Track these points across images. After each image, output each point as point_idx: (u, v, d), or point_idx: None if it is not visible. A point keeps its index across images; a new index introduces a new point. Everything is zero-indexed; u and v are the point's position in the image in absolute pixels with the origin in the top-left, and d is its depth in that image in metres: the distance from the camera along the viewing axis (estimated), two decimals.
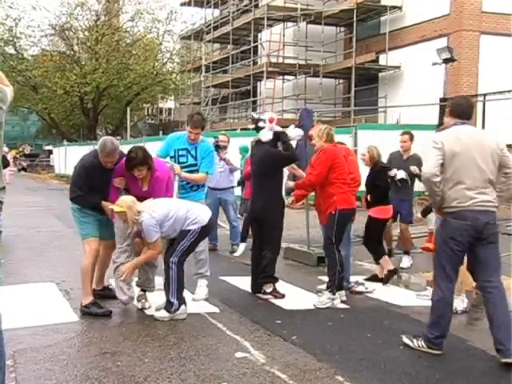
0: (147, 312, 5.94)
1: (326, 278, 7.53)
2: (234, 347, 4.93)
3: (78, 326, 5.49)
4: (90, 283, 5.88)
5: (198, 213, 5.73)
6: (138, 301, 6.05)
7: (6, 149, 34.37)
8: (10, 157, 30.59)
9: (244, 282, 7.37)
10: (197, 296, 6.42)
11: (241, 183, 10.43)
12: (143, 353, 4.75)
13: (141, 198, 5.69)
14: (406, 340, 5.07)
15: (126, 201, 5.58)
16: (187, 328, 5.49)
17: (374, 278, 7.57)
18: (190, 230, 5.64)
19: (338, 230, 6.44)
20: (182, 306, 5.70)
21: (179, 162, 6.36)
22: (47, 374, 4.31)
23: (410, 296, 6.95)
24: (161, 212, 5.56)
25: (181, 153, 6.40)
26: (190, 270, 6.25)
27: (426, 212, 7.58)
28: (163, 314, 5.69)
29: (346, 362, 4.66)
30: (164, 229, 5.59)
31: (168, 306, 5.68)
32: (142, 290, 6.14)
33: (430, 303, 5.32)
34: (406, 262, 8.64)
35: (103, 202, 5.82)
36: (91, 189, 5.79)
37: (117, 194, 5.88)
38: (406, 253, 8.77)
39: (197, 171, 6.42)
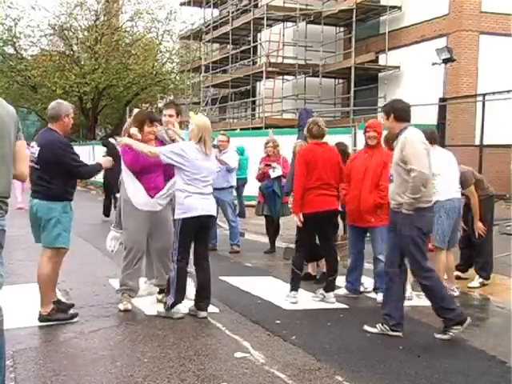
0: (147, 312, 5.94)
1: None
2: (233, 347, 4.94)
3: (77, 326, 5.48)
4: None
5: (190, 205, 5.67)
6: (121, 303, 6.02)
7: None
8: None
9: (244, 282, 7.38)
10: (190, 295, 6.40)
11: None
12: (142, 353, 4.75)
13: (152, 167, 5.88)
14: (368, 328, 5.45)
15: None
16: (187, 328, 5.49)
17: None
18: (175, 221, 5.73)
19: (300, 234, 6.63)
20: (178, 306, 5.71)
21: None
22: (47, 373, 4.31)
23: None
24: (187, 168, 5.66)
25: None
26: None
27: None
28: (160, 309, 5.81)
29: (345, 361, 4.66)
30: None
31: (164, 304, 5.76)
32: (124, 292, 6.08)
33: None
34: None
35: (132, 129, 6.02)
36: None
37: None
38: None
39: None
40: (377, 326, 5.40)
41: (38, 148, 5.45)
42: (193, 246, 5.87)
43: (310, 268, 7.79)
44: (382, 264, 6.21)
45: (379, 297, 6.37)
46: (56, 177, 5.45)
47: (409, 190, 5.11)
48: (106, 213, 14.32)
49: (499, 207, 6.00)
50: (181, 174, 5.69)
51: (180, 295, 5.71)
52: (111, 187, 13.33)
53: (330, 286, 6.57)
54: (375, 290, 6.73)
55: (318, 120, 6.73)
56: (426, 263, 5.30)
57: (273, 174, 9.48)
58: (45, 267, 5.56)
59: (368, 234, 6.79)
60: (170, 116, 6.34)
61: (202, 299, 5.84)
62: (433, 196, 5.45)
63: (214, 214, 5.99)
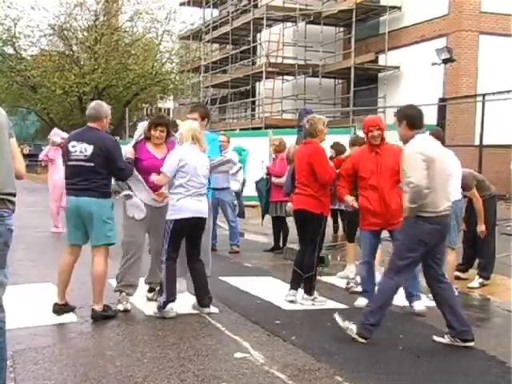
0: (146, 312, 5.93)
1: (324, 279, 7.56)
2: (233, 347, 4.93)
3: (77, 327, 5.48)
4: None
5: (180, 207, 5.71)
6: (120, 303, 6.01)
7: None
8: None
9: (244, 283, 7.38)
10: None
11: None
12: (142, 353, 4.75)
13: (155, 169, 5.84)
14: (337, 317, 5.35)
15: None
16: (186, 328, 5.48)
17: None
18: (167, 221, 5.76)
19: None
20: (169, 305, 5.72)
21: None
22: (46, 374, 4.31)
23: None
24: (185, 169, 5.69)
25: None
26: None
27: None
28: (154, 309, 5.82)
29: (345, 362, 4.66)
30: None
31: (158, 304, 5.78)
32: (121, 292, 6.08)
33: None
34: None
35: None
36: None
37: None
38: None
39: None
40: (445, 336, 5.20)
41: (91, 146, 5.51)
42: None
43: None
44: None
45: (418, 306, 6.19)
46: (107, 174, 5.61)
47: (407, 198, 5.06)
48: None
49: (499, 207, 6.00)
50: (176, 175, 5.72)
51: (170, 294, 5.72)
52: None
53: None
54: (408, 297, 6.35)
55: (311, 117, 6.59)
56: (395, 273, 5.16)
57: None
58: (102, 265, 5.64)
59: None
60: (194, 120, 6.33)
61: (203, 297, 5.87)
62: (443, 206, 5.14)
63: (206, 215, 5.93)
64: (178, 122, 6.08)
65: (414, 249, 5.11)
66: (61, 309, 5.71)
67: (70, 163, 5.64)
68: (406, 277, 5.44)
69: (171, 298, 5.73)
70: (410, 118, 5.26)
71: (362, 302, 6.38)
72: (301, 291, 6.53)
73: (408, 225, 5.15)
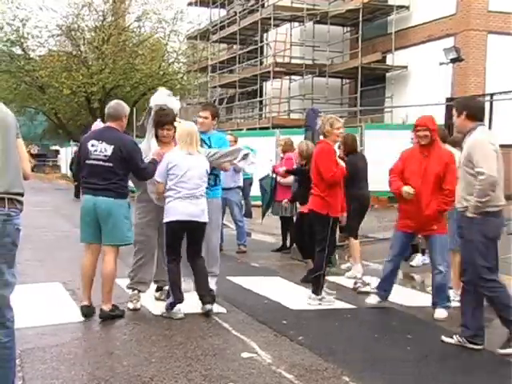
0: (154, 312, 5.94)
1: (331, 278, 7.54)
2: (240, 347, 4.94)
3: (84, 326, 5.50)
4: None
5: (169, 210, 5.71)
6: (131, 301, 6.05)
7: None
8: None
9: (251, 282, 7.38)
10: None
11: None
12: (150, 353, 4.75)
13: None
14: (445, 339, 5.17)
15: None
16: (194, 328, 5.49)
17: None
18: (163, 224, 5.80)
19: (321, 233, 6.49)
20: (177, 306, 5.72)
21: None
22: (54, 373, 4.32)
23: (418, 296, 6.93)
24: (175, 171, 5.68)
25: None
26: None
27: None
28: (162, 309, 5.84)
29: (352, 362, 4.66)
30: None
31: (166, 305, 5.81)
32: (133, 290, 6.11)
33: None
34: (417, 260, 8.63)
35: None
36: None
37: None
38: (419, 251, 8.69)
39: None
40: (454, 336, 5.14)
41: (111, 146, 5.51)
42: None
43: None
44: (441, 276, 5.98)
45: (437, 313, 5.98)
46: (126, 174, 5.63)
47: (476, 193, 4.87)
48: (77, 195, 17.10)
49: (507, 208, 5.93)
50: (167, 179, 5.73)
51: (176, 295, 5.73)
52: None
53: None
54: (433, 305, 6.12)
55: (321, 118, 6.66)
56: (487, 272, 4.95)
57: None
58: (112, 265, 5.63)
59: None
60: (205, 118, 6.40)
61: (203, 294, 5.85)
62: (502, 201, 5.04)
63: (200, 219, 5.78)
64: (176, 123, 6.03)
65: (492, 247, 5.00)
66: (89, 310, 5.68)
67: (88, 162, 5.60)
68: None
69: (177, 299, 5.74)
70: (471, 110, 5.13)
71: (373, 300, 6.37)
72: (308, 291, 6.53)
73: (478, 223, 4.92)
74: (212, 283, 6.43)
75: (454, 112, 5.25)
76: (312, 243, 6.71)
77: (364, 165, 8.13)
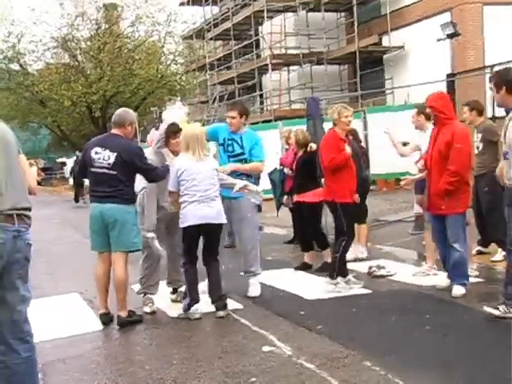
0: (171, 314, 5.96)
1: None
2: (260, 342, 4.94)
3: (104, 334, 5.52)
4: None
5: (185, 215, 5.69)
6: (145, 305, 6.06)
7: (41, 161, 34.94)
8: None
9: (265, 276, 7.35)
10: (249, 293, 6.45)
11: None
12: (171, 355, 4.77)
13: None
14: (488, 309, 5.02)
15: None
16: (212, 327, 5.51)
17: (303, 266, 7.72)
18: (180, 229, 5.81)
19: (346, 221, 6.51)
20: (194, 306, 5.72)
21: (227, 151, 6.43)
22: None
23: (433, 276, 6.89)
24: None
25: (229, 142, 6.44)
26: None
27: None
28: (179, 311, 5.85)
29: (372, 347, 4.64)
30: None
31: (183, 306, 5.82)
32: (145, 294, 6.12)
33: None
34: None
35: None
36: None
37: None
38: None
39: (244, 160, 6.40)
40: (499, 307, 4.99)
41: (114, 153, 5.51)
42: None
43: (307, 257, 7.87)
44: (457, 253, 5.90)
45: (455, 290, 5.91)
46: (131, 180, 5.64)
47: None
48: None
49: None
50: (180, 185, 5.73)
51: (192, 295, 5.74)
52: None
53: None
54: (451, 281, 6.07)
55: (332, 107, 6.70)
56: None
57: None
58: (123, 272, 5.62)
59: None
60: (233, 118, 6.39)
61: (214, 299, 5.82)
62: None
63: (217, 221, 5.78)
64: (181, 126, 6.05)
65: None
66: (107, 317, 5.71)
67: (93, 170, 5.62)
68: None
69: (194, 300, 5.74)
70: (511, 83, 4.93)
71: (443, 282, 6.23)
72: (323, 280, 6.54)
73: None
74: (254, 284, 6.42)
75: (492, 87, 5.04)
76: (308, 233, 6.99)
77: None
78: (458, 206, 5.93)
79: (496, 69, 14.40)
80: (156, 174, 5.76)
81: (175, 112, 6.63)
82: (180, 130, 6.07)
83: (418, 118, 7.31)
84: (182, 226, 5.73)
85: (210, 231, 5.79)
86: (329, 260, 7.09)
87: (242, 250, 6.65)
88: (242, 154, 6.41)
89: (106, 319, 5.70)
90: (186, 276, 5.83)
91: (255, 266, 6.52)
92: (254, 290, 6.48)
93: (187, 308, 5.74)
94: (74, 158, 31.64)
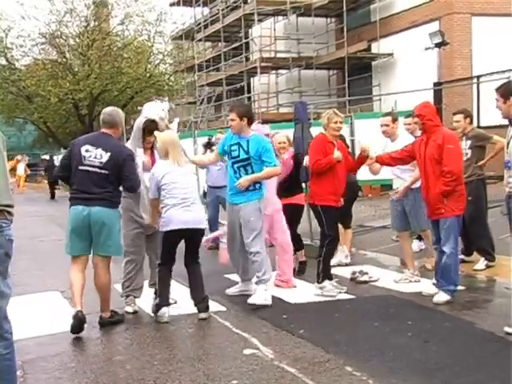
0: (152, 315, 5.93)
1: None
2: (241, 344, 4.93)
3: (85, 334, 5.46)
4: None
5: (169, 218, 5.65)
6: (128, 305, 6.03)
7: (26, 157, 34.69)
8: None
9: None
10: (252, 300, 6.12)
11: None
12: (151, 356, 4.75)
13: None
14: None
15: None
16: (194, 328, 5.49)
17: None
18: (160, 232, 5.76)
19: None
20: (163, 309, 5.66)
21: (232, 157, 6.27)
22: (57, 382, 4.32)
23: (415, 283, 6.93)
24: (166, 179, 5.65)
25: (233, 148, 6.25)
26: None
27: None
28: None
29: (354, 352, 4.66)
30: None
31: (152, 307, 5.80)
32: (128, 296, 6.08)
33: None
34: (415, 245, 8.60)
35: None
36: None
37: None
38: (419, 237, 8.60)
39: (249, 165, 6.18)
40: None
41: (108, 153, 5.38)
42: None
43: (300, 257, 7.82)
44: (448, 258, 5.87)
45: (437, 297, 5.93)
46: (118, 183, 5.49)
47: None
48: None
49: (499, 188, 5.95)
50: (160, 190, 5.70)
51: (162, 298, 5.70)
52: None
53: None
54: (436, 286, 6.12)
55: (325, 111, 6.76)
56: None
57: None
58: (106, 275, 5.52)
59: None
60: (232, 120, 6.26)
61: (197, 301, 5.78)
62: None
63: (199, 226, 5.77)
64: (156, 133, 5.89)
65: None
66: (82, 314, 5.46)
67: (81, 168, 5.37)
68: None
69: (164, 302, 5.70)
70: None
71: (429, 289, 6.24)
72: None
73: None
74: (260, 289, 6.14)
75: (499, 97, 5.13)
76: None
77: None
78: (457, 208, 5.96)
79: (482, 79, 14.59)
80: (136, 186, 5.62)
81: (156, 106, 6.51)
82: (157, 128, 6.02)
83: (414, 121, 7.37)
84: (164, 229, 5.67)
85: (192, 235, 5.76)
86: (303, 259, 7.58)
87: (245, 255, 6.38)
88: (247, 159, 6.17)
89: (82, 317, 5.39)
90: (158, 276, 5.75)
91: (260, 271, 6.22)
92: (254, 298, 6.12)
93: (156, 310, 5.70)
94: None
